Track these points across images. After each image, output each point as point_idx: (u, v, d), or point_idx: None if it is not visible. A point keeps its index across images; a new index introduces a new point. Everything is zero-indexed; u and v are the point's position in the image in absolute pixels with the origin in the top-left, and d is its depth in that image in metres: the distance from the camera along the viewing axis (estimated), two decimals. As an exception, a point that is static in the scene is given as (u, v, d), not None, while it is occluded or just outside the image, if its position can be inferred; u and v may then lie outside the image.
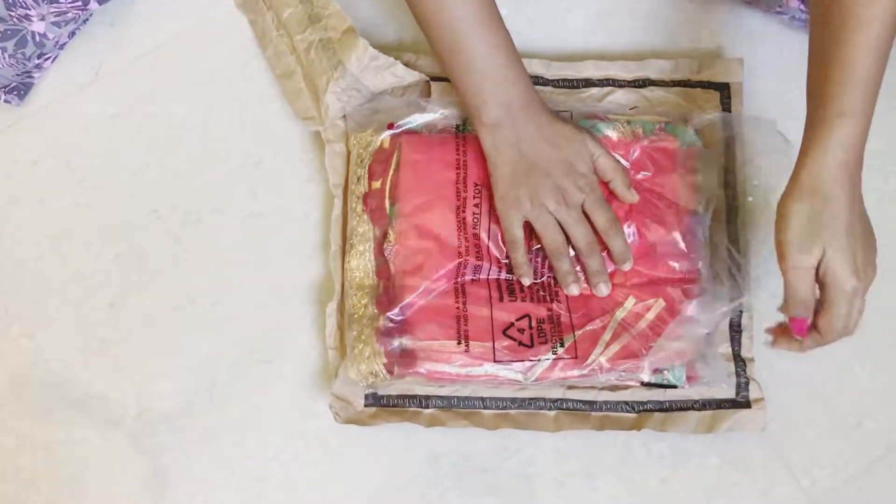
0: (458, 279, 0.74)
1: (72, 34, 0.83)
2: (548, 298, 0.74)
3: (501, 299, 0.74)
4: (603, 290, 0.73)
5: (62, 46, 0.83)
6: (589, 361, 0.72)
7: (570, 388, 0.75)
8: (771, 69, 0.83)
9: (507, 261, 0.75)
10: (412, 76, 0.80)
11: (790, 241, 0.62)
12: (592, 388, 0.75)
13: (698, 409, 0.75)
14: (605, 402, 0.75)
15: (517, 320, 0.73)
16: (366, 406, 0.76)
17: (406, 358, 0.72)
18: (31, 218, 0.81)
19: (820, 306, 0.63)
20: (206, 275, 0.80)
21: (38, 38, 0.81)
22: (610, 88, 0.81)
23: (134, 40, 0.84)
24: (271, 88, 0.83)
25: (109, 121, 0.83)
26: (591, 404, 0.75)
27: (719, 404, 0.75)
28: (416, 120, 0.78)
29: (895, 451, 0.77)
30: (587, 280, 0.74)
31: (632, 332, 0.73)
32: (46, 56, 0.83)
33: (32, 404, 0.78)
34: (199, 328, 0.79)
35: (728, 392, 0.75)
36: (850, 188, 0.62)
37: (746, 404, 0.74)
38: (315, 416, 0.77)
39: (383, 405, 0.76)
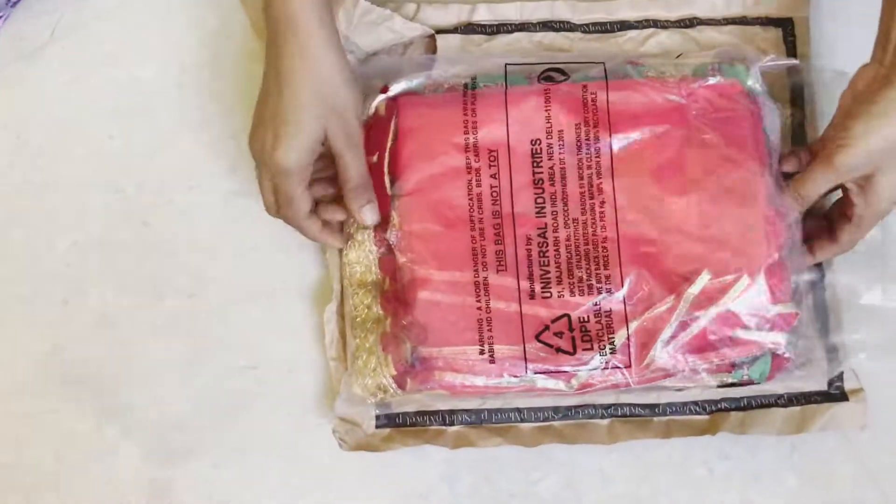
0: (478, 269, 0.62)
1: (26, -9, 0.73)
2: (594, 284, 0.61)
3: (533, 294, 0.61)
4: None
5: (14, 4, 0.74)
6: (646, 362, 0.60)
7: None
8: (835, 7, 0.72)
9: (539, 241, 0.62)
10: (413, 30, 0.69)
11: (850, 161, 0.58)
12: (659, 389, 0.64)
13: (783, 406, 0.64)
14: (670, 405, 0.65)
15: (553, 321, 0.61)
16: (378, 427, 0.65)
17: (420, 369, 0.61)
18: (-27, 200, 0.72)
19: (843, 219, 0.61)
20: (179, 265, 0.70)
21: (-14, -5, 0.71)
22: (651, 30, 0.70)
23: (95, -6, 0.75)
24: (255, 47, 0.72)
25: (67, 87, 0.73)
26: (653, 408, 0.65)
27: (809, 398, 0.64)
28: (417, 80, 0.67)
29: None
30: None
31: (704, 319, 0.60)
32: (-2, 16, 0.73)
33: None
34: (170, 328, 0.69)
35: (819, 383, 0.63)
36: None
37: (842, 396, 0.63)
38: (307, 430, 0.67)
39: (398, 425, 0.65)
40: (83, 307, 0.69)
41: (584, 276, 0.61)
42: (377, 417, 0.65)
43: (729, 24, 0.70)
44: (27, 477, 0.68)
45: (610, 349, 0.60)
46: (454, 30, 0.69)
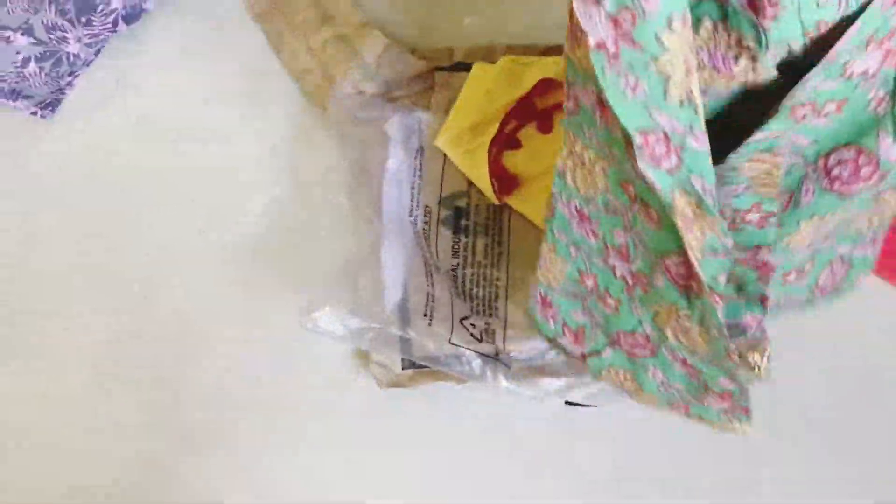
0: None
1: (97, 52, 0.90)
2: None
3: None
4: None
5: (89, 64, 0.90)
6: None
7: None
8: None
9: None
10: (420, 65, 0.86)
11: None
12: None
13: None
14: None
15: None
16: (403, 369, 0.77)
17: None
18: (62, 216, 0.86)
19: None
20: (241, 264, 0.84)
21: (71, 58, 0.87)
22: None
23: (151, 53, 0.91)
24: (285, 86, 0.89)
25: (131, 126, 0.89)
26: None
27: None
28: None
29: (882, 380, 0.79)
30: None
31: None
32: (77, 73, 0.89)
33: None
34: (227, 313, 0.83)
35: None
36: None
37: None
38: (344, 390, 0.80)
39: (418, 367, 0.77)
40: (160, 297, 0.83)
41: None
42: (402, 361, 0.76)
43: None
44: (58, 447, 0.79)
45: None
46: (447, 67, 0.86)
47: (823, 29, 0.49)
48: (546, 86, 0.83)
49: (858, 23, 0.48)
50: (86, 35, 0.86)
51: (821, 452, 0.77)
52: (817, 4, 0.48)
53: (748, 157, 0.54)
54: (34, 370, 0.82)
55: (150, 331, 0.82)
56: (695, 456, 0.77)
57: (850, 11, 0.48)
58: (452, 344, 0.74)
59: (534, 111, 0.83)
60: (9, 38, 0.84)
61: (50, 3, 0.84)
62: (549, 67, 0.85)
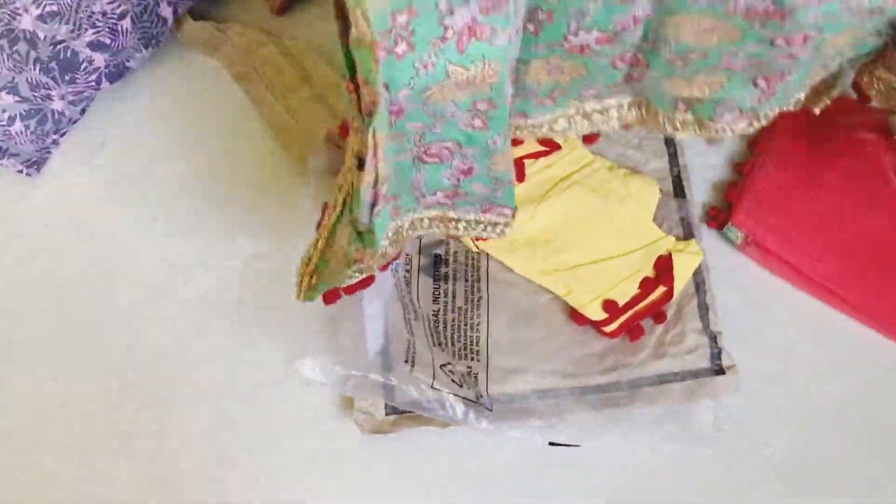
0: None
1: (82, 111, 0.92)
2: None
3: None
4: None
5: (74, 122, 0.92)
6: None
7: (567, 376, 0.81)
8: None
9: None
10: None
11: None
12: (586, 374, 0.81)
13: (681, 381, 0.80)
14: (599, 385, 0.80)
15: None
16: (386, 415, 0.79)
17: None
18: (48, 269, 0.88)
19: None
20: (213, 310, 0.86)
21: (56, 116, 0.90)
22: None
23: (135, 112, 0.93)
24: (265, 144, 0.92)
25: (116, 183, 0.91)
26: (584, 389, 0.80)
27: (697, 374, 0.81)
28: None
29: (843, 414, 0.82)
30: None
31: None
32: (62, 132, 0.91)
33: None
34: (210, 357, 0.85)
35: (705, 362, 0.81)
36: None
37: (721, 371, 0.81)
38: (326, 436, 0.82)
39: (401, 413, 0.79)
40: (142, 349, 0.85)
41: None
42: (385, 406, 0.79)
43: None
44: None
45: None
46: None
47: None
48: (517, 139, 0.86)
49: None
50: (70, 92, 0.89)
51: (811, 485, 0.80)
52: None
53: None
54: (23, 422, 0.83)
55: (135, 380, 0.84)
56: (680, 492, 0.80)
57: None
58: (435, 389, 0.76)
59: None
60: (-5, 98, 0.87)
61: (35, 61, 0.85)
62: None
